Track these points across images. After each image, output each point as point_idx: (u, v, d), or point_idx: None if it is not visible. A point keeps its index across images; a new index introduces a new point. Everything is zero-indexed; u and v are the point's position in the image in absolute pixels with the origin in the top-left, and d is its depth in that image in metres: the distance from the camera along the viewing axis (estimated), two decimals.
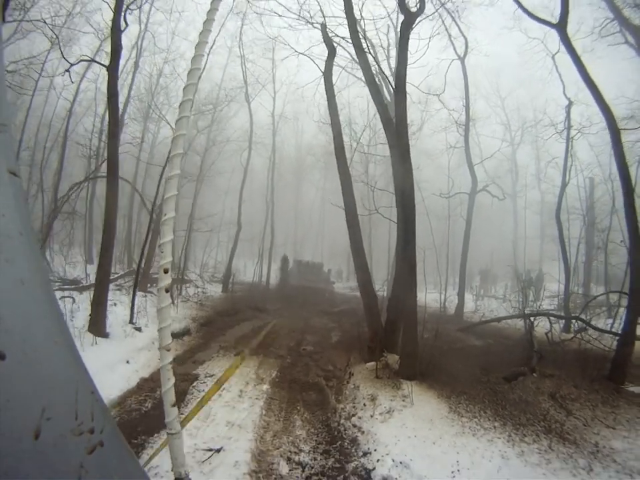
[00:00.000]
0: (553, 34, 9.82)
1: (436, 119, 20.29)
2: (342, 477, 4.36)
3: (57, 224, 14.19)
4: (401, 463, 4.49)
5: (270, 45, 18.64)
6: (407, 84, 8.40)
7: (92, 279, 13.26)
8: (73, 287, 12.29)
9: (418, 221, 8.16)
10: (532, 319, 9.75)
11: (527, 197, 25.95)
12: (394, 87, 8.91)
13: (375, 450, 4.83)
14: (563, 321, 12.35)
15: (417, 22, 8.87)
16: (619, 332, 8.23)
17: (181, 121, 1.61)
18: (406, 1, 8.53)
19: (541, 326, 9.73)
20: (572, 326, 12.06)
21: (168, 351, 1.47)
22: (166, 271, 1.49)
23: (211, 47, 13.90)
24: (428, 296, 12.40)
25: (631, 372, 7.55)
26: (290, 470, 4.36)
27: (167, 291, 1.46)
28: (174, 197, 1.58)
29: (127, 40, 10.92)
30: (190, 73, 1.69)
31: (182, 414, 5.40)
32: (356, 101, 20.91)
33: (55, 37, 13.46)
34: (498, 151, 19.84)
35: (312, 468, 4.47)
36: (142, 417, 5.39)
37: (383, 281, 20.02)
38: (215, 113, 20.63)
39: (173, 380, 1.45)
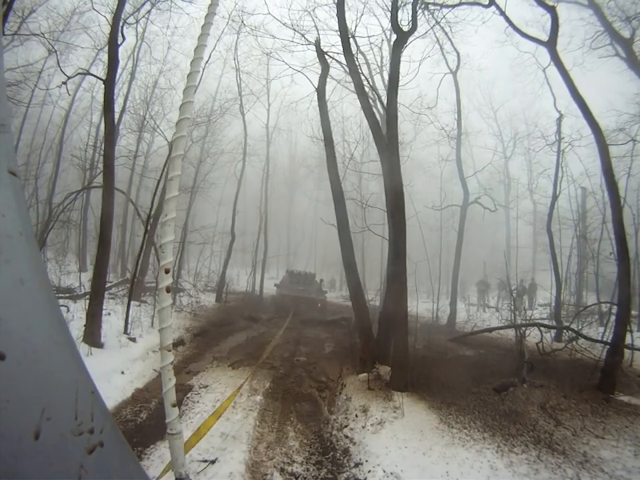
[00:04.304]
0: (544, 48, 9.96)
1: (428, 131, 20.43)
2: None
3: (51, 232, 14.18)
4: (391, 473, 4.55)
5: (265, 59, 18.74)
6: (399, 104, 8.52)
7: (86, 287, 13.29)
8: (67, 295, 12.27)
9: (411, 234, 8.26)
10: (523, 329, 9.82)
11: (519, 208, 26.16)
12: (385, 105, 9.03)
13: (367, 461, 4.89)
14: (555, 330, 12.47)
15: (409, 41, 8.97)
16: (609, 341, 8.35)
17: (181, 122, 1.65)
18: (398, 20, 8.67)
19: (533, 336, 9.75)
20: (563, 335, 12.16)
21: (169, 351, 1.50)
22: (167, 271, 1.52)
23: (207, 61, 13.99)
24: (421, 306, 12.47)
25: (620, 381, 7.64)
26: None
27: (167, 291, 1.49)
28: (175, 198, 1.61)
29: (123, 50, 11.03)
30: (189, 75, 1.73)
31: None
32: (350, 113, 21.09)
33: (52, 49, 13.53)
34: (490, 164, 20.00)
35: (305, 479, 4.53)
36: (137, 428, 5.42)
37: (376, 290, 20.06)
38: (209, 124, 20.69)
39: (173, 380, 1.48)
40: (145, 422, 5.62)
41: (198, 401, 6.53)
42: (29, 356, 0.68)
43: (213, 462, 4.54)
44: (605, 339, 9.55)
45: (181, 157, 1.66)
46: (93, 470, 0.74)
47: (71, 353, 0.80)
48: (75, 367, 0.80)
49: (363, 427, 5.79)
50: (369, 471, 4.66)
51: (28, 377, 0.67)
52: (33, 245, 0.80)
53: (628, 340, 8.97)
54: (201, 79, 13.97)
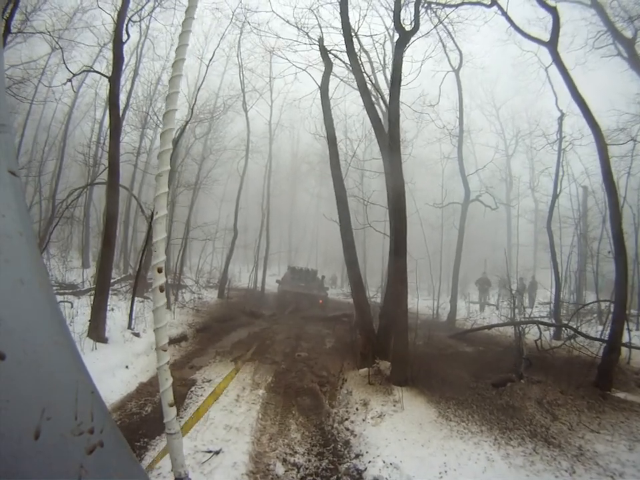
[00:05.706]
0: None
1: (430, 129, 20.44)
2: (335, 477, 4.54)
3: (55, 229, 14.26)
4: (391, 464, 4.67)
5: (268, 56, 18.74)
6: (402, 103, 8.58)
7: (89, 284, 13.44)
8: (70, 291, 12.39)
9: (412, 231, 8.35)
10: (522, 326, 9.87)
11: (520, 206, 26.17)
12: (387, 104, 9.09)
13: (367, 452, 5.02)
14: (554, 328, 12.53)
15: (411, 40, 9.01)
16: (607, 339, 8.41)
17: (168, 114, 1.61)
18: (401, 19, 8.74)
19: (532, 333, 9.81)
20: (562, 333, 12.22)
21: (165, 351, 1.47)
22: (160, 271, 1.49)
23: (211, 59, 14.05)
24: (421, 303, 12.55)
25: (617, 378, 7.69)
26: (286, 471, 4.54)
27: (161, 291, 1.47)
28: (165, 195, 1.56)
29: (126, 47, 11.02)
30: (174, 64, 1.71)
31: (181, 417, 5.58)
32: (353, 109, 21.11)
33: (58, 46, 13.59)
34: (491, 162, 19.99)
35: (306, 469, 4.66)
36: (142, 420, 5.53)
37: (377, 287, 20.14)
38: (212, 121, 20.74)
39: (170, 380, 1.46)
40: (149, 415, 5.72)
41: (202, 395, 6.65)
42: (28, 356, 0.68)
43: (217, 452, 4.66)
44: (603, 337, 9.61)
45: (170, 151, 1.57)
46: (92, 470, 0.74)
47: (71, 353, 0.80)
48: (74, 367, 0.80)
49: (364, 420, 5.92)
50: (369, 462, 4.78)
51: (28, 377, 0.67)
52: (33, 245, 0.80)
53: (626, 338, 9.05)
54: (206, 69, 14.10)
